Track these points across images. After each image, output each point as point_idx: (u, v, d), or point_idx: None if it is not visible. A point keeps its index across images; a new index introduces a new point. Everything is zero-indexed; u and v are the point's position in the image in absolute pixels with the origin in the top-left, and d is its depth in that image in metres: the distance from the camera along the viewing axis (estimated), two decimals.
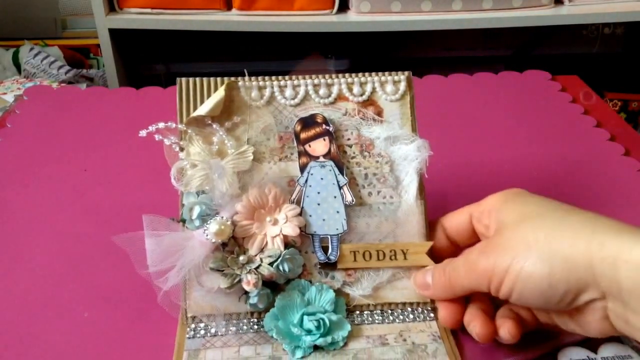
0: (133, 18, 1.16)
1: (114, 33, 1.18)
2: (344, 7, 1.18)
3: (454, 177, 0.60)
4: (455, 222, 0.44)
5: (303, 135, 0.46)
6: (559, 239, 0.35)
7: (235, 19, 1.16)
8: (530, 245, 0.36)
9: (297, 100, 0.47)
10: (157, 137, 0.45)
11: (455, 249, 0.45)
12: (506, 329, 0.39)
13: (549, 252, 0.35)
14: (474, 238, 0.44)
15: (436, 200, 0.54)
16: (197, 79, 0.47)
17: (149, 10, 1.15)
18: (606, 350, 0.41)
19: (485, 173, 0.62)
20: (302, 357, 0.41)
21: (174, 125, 0.45)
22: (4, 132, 0.68)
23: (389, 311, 0.44)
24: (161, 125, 0.45)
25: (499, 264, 0.37)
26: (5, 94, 1.09)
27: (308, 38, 1.21)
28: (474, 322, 0.40)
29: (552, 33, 1.36)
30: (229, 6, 1.17)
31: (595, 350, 0.41)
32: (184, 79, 0.47)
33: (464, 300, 0.42)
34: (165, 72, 1.34)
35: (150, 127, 0.45)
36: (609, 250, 0.33)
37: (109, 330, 0.44)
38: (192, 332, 0.43)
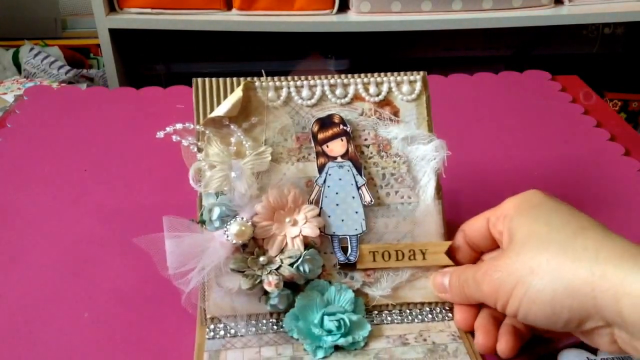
0: (133, 18, 1.15)
1: (114, 33, 1.17)
2: (344, 7, 1.18)
3: (454, 177, 0.60)
4: (474, 227, 0.44)
5: (321, 136, 0.46)
6: (562, 265, 0.35)
7: (235, 19, 1.15)
8: (534, 269, 0.36)
9: (313, 101, 0.47)
10: (174, 137, 0.45)
11: (476, 254, 0.45)
12: (502, 345, 0.40)
13: (552, 278, 0.35)
14: (493, 244, 0.43)
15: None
16: (214, 79, 0.47)
17: (149, 10, 1.15)
18: (606, 352, 0.40)
19: (484, 173, 0.62)
20: (324, 357, 0.41)
21: (191, 126, 0.45)
22: (4, 132, 0.68)
23: (408, 311, 0.45)
24: (179, 126, 0.45)
25: (504, 286, 0.37)
26: (5, 94, 1.09)
27: (308, 38, 1.21)
28: (478, 332, 0.41)
29: (552, 33, 1.37)
30: (229, 6, 1.17)
31: (595, 352, 0.41)
32: (199, 79, 0.47)
33: (478, 304, 0.43)
34: (165, 72, 1.33)
35: (167, 128, 0.45)
36: (611, 281, 0.33)
37: (111, 331, 0.44)
38: (212, 333, 0.43)
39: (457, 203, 0.54)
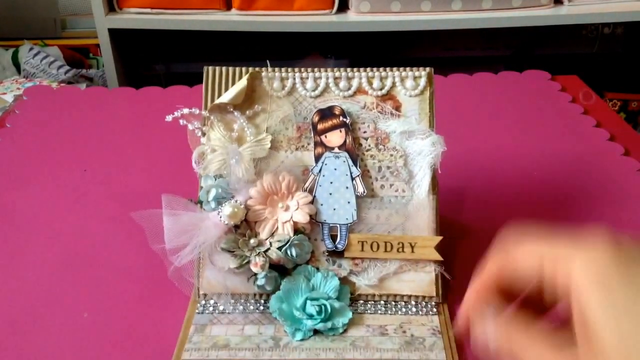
0: (133, 18, 1.17)
1: (114, 33, 1.18)
2: (343, 7, 1.18)
3: (454, 176, 0.60)
4: (519, 263, 0.31)
5: (320, 126, 0.47)
6: None
7: (235, 19, 1.16)
8: None
9: (317, 92, 0.48)
10: (181, 121, 0.47)
11: (508, 297, 0.32)
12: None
13: None
14: (543, 291, 0.31)
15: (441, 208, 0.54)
16: (224, 67, 0.49)
17: (148, 10, 1.16)
18: None
19: (484, 173, 0.61)
20: (302, 340, 0.42)
21: (197, 111, 0.47)
22: (4, 132, 0.69)
23: (393, 302, 0.45)
24: (186, 110, 0.47)
25: None
26: (5, 94, 1.10)
27: (308, 38, 1.21)
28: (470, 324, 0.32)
29: (552, 33, 1.34)
30: (228, 6, 1.18)
31: None
32: (210, 67, 0.49)
33: None
34: (165, 72, 1.34)
35: (176, 113, 0.47)
36: None
37: (110, 328, 0.44)
38: (202, 308, 0.45)
39: (458, 202, 0.54)
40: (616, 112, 1.33)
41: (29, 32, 1.43)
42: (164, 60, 1.35)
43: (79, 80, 1.27)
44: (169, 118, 0.48)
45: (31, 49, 1.30)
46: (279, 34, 1.18)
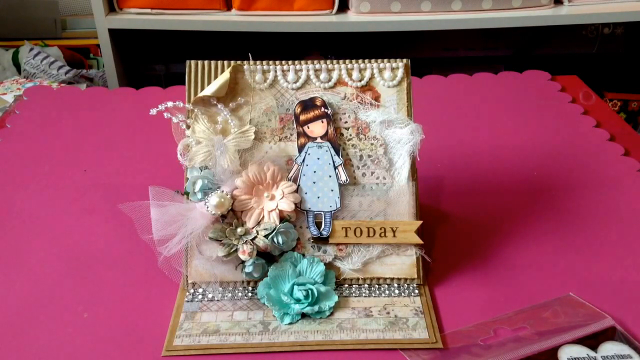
0: (133, 18, 1.17)
1: (114, 33, 1.19)
2: (343, 7, 1.19)
3: (455, 176, 0.62)
4: None
5: (302, 117, 0.49)
6: None
7: (235, 19, 1.17)
8: None
9: (298, 84, 0.50)
10: (165, 115, 0.48)
11: None
12: None
13: None
14: None
15: (435, 199, 0.56)
16: (205, 61, 0.50)
17: (148, 10, 1.16)
18: (606, 349, 0.42)
19: (485, 173, 0.63)
20: (290, 323, 0.43)
21: (181, 104, 0.48)
22: (4, 132, 0.69)
23: (377, 285, 0.47)
24: (170, 104, 0.48)
25: None
26: (5, 94, 1.09)
27: (308, 38, 1.21)
28: None
29: (552, 33, 1.36)
30: (228, 6, 1.18)
31: (595, 349, 0.42)
32: (192, 62, 0.50)
33: None
34: (165, 72, 1.34)
35: (159, 106, 0.48)
36: None
37: (105, 319, 0.45)
38: (191, 297, 0.46)
39: (459, 202, 0.56)
40: (616, 112, 1.34)
41: (29, 32, 1.41)
42: (164, 60, 1.35)
43: (79, 80, 1.26)
44: (153, 111, 0.48)
45: (31, 49, 1.29)
46: (279, 34, 1.18)
